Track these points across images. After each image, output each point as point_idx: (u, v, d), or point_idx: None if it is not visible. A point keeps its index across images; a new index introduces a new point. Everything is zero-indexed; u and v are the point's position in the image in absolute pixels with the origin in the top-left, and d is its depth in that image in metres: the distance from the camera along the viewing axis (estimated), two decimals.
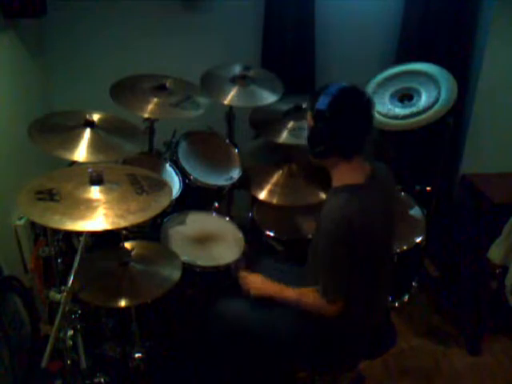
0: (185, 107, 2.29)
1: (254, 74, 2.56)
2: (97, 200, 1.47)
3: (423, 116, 2.36)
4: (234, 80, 2.50)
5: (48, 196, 1.45)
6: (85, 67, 2.85)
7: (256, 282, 1.83)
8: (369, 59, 2.92)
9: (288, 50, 2.86)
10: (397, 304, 2.48)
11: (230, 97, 2.42)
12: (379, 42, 2.95)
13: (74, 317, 1.68)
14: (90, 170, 1.53)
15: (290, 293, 1.74)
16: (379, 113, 2.46)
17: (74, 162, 1.93)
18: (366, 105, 1.64)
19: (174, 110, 2.25)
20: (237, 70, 2.56)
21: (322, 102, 1.60)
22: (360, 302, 1.70)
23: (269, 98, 2.45)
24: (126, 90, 2.28)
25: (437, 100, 2.37)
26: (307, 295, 1.69)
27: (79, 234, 1.91)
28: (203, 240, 2.20)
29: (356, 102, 1.64)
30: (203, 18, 2.85)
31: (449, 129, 2.50)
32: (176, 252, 2.00)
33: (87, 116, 1.88)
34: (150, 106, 2.23)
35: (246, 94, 2.47)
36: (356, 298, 1.66)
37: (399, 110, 2.43)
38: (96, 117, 1.92)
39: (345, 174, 1.68)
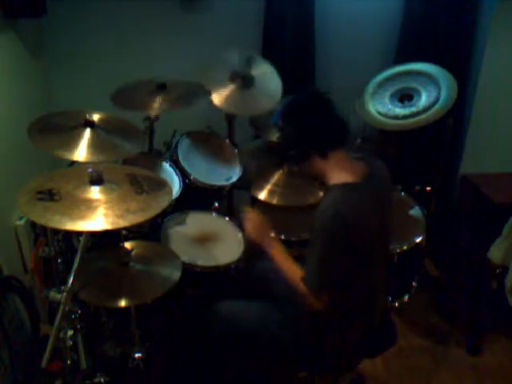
0: (185, 102, 2.29)
1: (255, 68, 2.55)
2: (97, 200, 1.46)
3: (423, 116, 2.36)
4: (234, 79, 2.50)
5: (48, 196, 1.44)
6: (85, 67, 2.85)
7: (256, 223, 1.79)
8: (369, 59, 2.92)
9: (288, 49, 2.86)
10: (397, 304, 2.48)
11: (228, 101, 2.44)
12: (379, 41, 2.94)
13: (74, 317, 1.68)
14: (89, 170, 1.53)
15: (284, 260, 1.70)
16: (379, 113, 2.46)
17: (74, 162, 1.93)
18: (317, 102, 1.71)
19: (175, 105, 2.27)
20: (236, 60, 2.56)
21: (275, 117, 1.76)
22: (356, 301, 1.69)
23: (268, 102, 2.45)
24: (126, 90, 2.28)
25: (437, 100, 2.37)
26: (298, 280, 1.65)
27: (79, 234, 1.91)
28: (203, 240, 2.21)
29: (305, 102, 1.72)
30: (203, 17, 2.84)
31: (449, 129, 2.50)
32: (176, 252, 2.00)
33: (87, 116, 1.87)
34: (151, 104, 2.22)
35: (245, 99, 2.47)
36: (352, 298, 1.66)
37: (399, 110, 2.43)
38: (96, 117, 1.91)
39: (334, 173, 1.66)
